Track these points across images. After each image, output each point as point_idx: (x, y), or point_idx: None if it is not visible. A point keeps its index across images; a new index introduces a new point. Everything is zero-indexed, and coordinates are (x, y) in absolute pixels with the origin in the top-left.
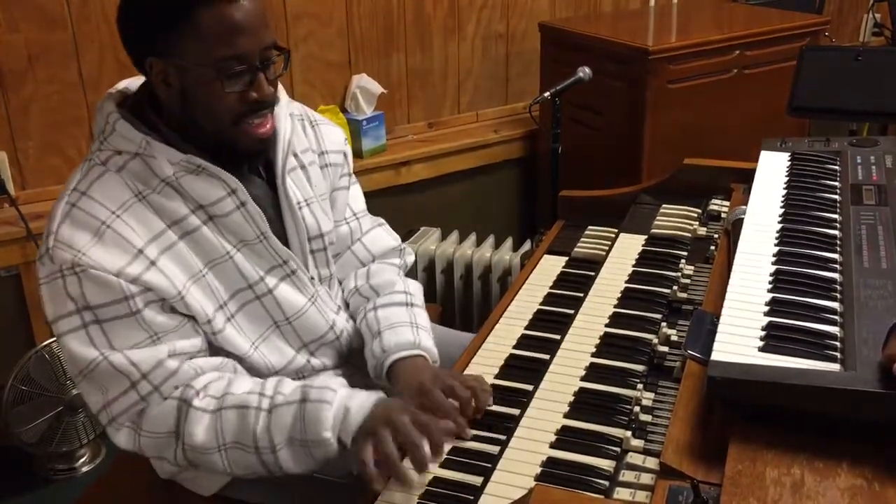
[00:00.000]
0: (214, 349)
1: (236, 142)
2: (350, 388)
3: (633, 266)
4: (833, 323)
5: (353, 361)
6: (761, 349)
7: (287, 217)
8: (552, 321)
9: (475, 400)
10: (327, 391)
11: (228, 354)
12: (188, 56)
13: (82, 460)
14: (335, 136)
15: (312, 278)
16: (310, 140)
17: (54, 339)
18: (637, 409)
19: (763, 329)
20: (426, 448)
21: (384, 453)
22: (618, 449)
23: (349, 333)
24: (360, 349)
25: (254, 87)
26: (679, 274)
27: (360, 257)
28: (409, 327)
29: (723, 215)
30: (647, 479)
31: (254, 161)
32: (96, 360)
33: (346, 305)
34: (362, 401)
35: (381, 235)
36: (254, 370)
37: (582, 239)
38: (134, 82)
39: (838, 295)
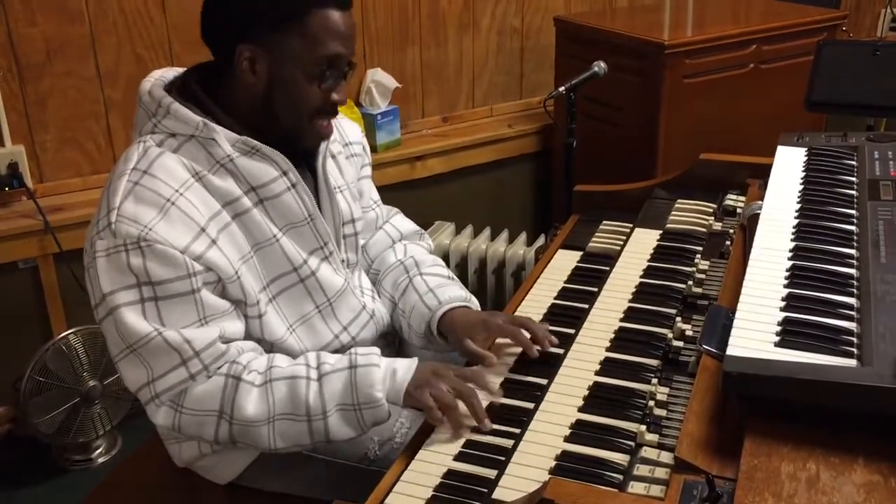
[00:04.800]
0: (247, 336)
1: (304, 136)
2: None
3: (648, 261)
4: (849, 318)
5: (386, 339)
6: (777, 344)
7: (325, 200)
8: (567, 315)
9: (535, 331)
10: (373, 356)
11: (259, 341)
12: (291, 51)
13: (98, 451)
14: (354, 129)
15: (343, 261)
16: (335, 133)
17: (71, 330)
18: (652, 403)
19: (779, 324)
20: (475, 395)
21: (439, 399)
22: (632, 443)
23: (380, 313)
24: (391, 328)
25: (336, 89)
26: (694, 269)
27: (392, 235)
28: (458, 286)
29: (738, 210)
30: (661, 473)
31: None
32: (150, 335)
33: (374, 291)
34: (406, 363)
35: (403, 220)
36: (288, 354)
37: (597, 234)
38: (167, 72)
39: (855, 290)
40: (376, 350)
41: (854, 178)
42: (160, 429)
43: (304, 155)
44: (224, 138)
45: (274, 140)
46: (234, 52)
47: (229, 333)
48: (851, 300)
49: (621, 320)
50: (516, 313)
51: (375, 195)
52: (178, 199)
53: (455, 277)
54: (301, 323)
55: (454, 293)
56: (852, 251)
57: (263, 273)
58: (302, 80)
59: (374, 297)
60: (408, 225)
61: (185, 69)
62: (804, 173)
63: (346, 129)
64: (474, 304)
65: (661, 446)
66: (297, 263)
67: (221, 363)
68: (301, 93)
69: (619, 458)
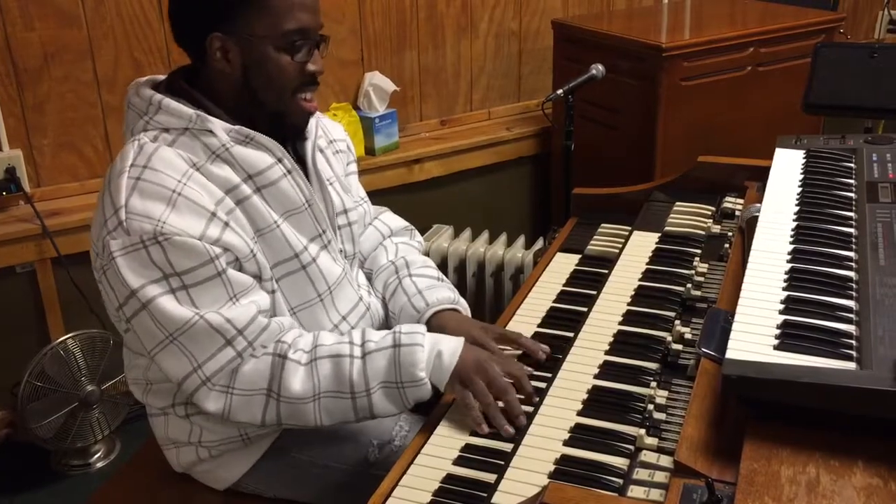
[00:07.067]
0: None
1: (289, 113)
2: (433, 333)
3: (647, 264)
4: (849, 321)
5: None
6: (776, 347)
7: (316, 191)
8: (565, 319)
9: (528, 346)
10: (417, 335)
11: None
12: (258, 30)
13: (97, 456)
14: (338, 128)
15: (341, 250)
16: (320, 131)
17: (69, 335)
18: (651, 407)
19: (778, 327)
20: (511, 392)
21: (484, 403)
22: (632, 447)
23: (375, 307)
24: (387, 325)
25: (311, 60)
26: (693, 272)
27: (381, 231)
28: (447, 289)
29: (737, 213)
30: (661, 477)
31: (291, 139)
32: (192, 320)
33: (370, 287)
34: (452, 345)
35: (392, 217)
36: None
37: (595, 237)
38: (155, 77)
39: (854, 293)
40: (421, 329)
41: (852, 181)
42: (159, 438)
43: (293, 145)
44: (220, 127)
45: (264, 129)
46: (205, 44)
47: (263, 305)
48: (850, 303)
49: (620, 323)
50: (515, 317)
51: (362, 192)
52: (184, 188)
53: (445, 278)
54: (302, 309)
55: (442, 295)
56: (851, 254)
57: (268, 258)
58: (274, 56)
59: (369, 292)
60: (397, 221)
61: (168, 74)
62: (802, 176)
63: (330, 128)
64: (462, 305)
65: (660, 450)
66: (297, 250)
67: (265, 338)
68: (276, 69)
69: (619, 462)
